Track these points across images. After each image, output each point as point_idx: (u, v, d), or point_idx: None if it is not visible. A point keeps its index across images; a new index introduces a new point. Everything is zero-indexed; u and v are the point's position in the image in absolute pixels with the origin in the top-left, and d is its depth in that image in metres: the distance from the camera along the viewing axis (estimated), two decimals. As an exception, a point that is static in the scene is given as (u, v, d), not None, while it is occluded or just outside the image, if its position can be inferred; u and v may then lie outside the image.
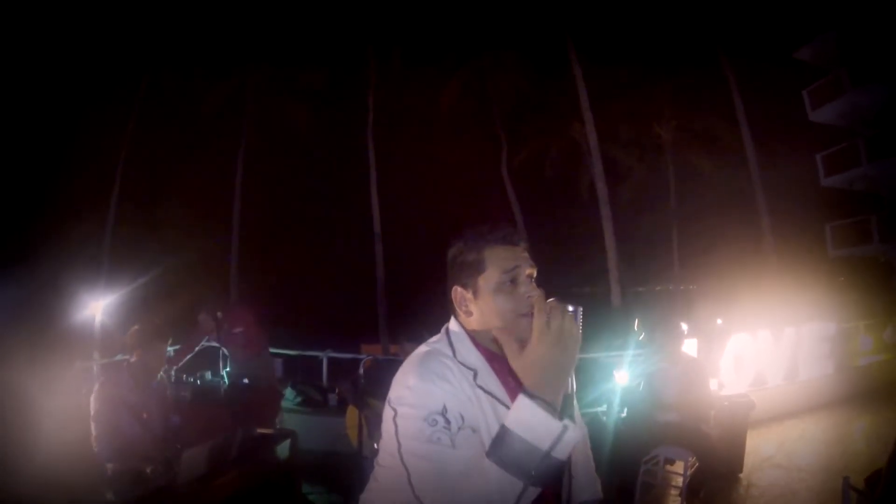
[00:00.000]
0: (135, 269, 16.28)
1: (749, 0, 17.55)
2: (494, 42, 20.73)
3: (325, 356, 7.44)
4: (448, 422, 1.22)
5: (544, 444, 1.13)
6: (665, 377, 4.07)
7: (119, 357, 7.12)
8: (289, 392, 6.85)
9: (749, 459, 4.94)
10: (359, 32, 21.23)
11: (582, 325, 1.28)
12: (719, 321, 6.57)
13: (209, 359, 5.61)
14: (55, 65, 18.84)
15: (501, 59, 21.19)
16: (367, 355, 7.96)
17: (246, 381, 5.31)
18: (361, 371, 3.93)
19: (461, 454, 1.21)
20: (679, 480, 4.14)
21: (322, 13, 20.80)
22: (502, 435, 1.16)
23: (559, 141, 21.76)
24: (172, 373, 5.32)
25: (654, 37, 18.85)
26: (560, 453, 1.14)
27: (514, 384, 1.37)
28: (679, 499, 4.10)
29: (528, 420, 1.15)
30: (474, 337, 1.39)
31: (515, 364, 1.23)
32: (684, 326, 4.35)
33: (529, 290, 1.36)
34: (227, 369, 5.06)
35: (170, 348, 6.22)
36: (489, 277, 1.37)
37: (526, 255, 1.41)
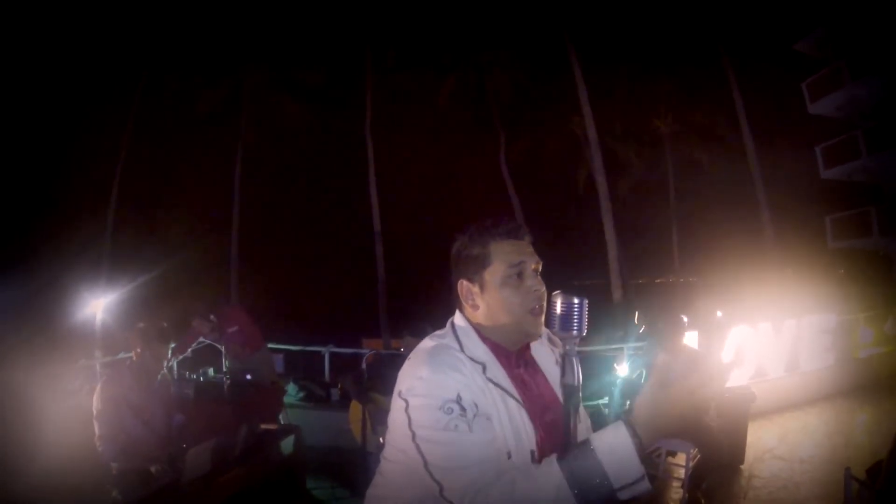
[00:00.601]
0: (135, 269, 16.31)
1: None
2: (492, 37, 20.67)
3: (326, 351, 7.45)
4: (463, 409, 1.22)
5: (617, 481, 1.08)
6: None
7: (121, 355, 7.15)
8: (291, 387, 6.87)
9: (750, 451, 4.95)
10: (356, 29, 21.18)
11: (588, 316, 1.29)
12: (719, 313, 6.60)
13: (210, 356, 5.62)
14: (53, 66, 18.78)
15: (499, 54, 21.13)
16: (369, 350, 7.97)
17: (248, 377, 5.35)
18: (364, 366, 3.93)
19: (480, 438, 1.21)
20: (681, 472, 4.17)
21: (319, 11, 20.75)
22: (584, 450, 1.11)
23: (558, 135, 21.75)
24: (175, 371, 5.34)
25: (653, 30, 18.83)
26: (624, 495, 1.10)
27: (520, 377, 1.39)
28: (681, 490, 4.12)
29: (617, 450, 1.09)
30: (480, 331, 1.39)
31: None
32: (685, 319, 4.36)
33: (535, 283, 1.36)
34: (228, 365, 5.07)
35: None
36: (495, 271, 1.37)
37: (531, 248, 1.41)
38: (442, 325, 1.48)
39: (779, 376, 6.83)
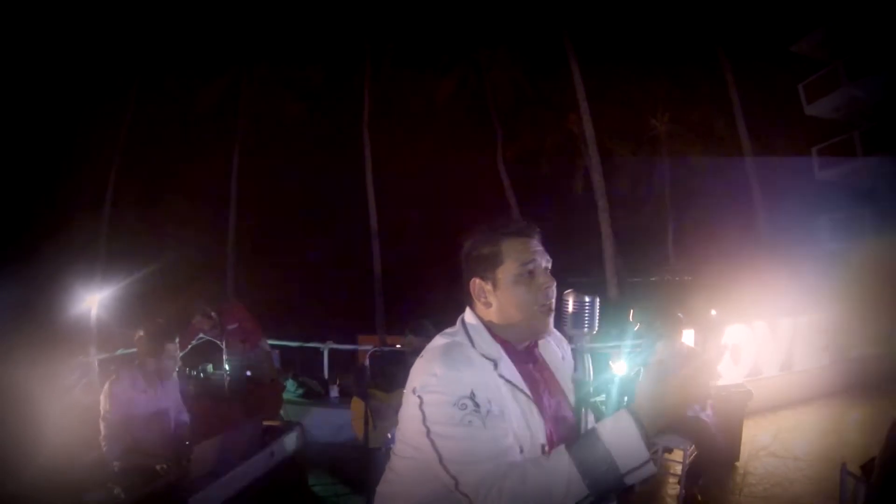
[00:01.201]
0: (132, 266, 16.27)
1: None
2: (491, 35, 20.69)
3: (325, 348, 7.48)
4: (477, 405, 1.26)
5: (624, 466, 1.13)
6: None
7: (120, 352, 7.16)
8: (290, 384, 6.90)
9: (745, 448, 5.02)
10: (355, 27, 21.15)
11: (598, 315, 1.33)
12: (713, 312, 6.65)
13: (209, 352, 5.65)
14: (50, 62, 18.68)
15: (497, 52, 21.15)
16: (369, 347, 7.99)
17: (248, 373, 5.37)
18: (367, 362, 3.96)
19: (494, 434, 1.24)
20: (678, 468, 4.22)
21: (318, 8, 20.71)
22: (591, 439, 1.16)
23: (555, 133, 21.80)
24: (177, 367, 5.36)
25: (651, 29, 18.88)
26: (631, 480, 1.15)
27: (530, 373, 1.42)
28: (678, 486, 4.17)
29: (622, 436, 1.14)
30: (491, 328, 1.43)
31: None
32: (682, 316, 4.41)
33: (546, 281, 1.40)
34: (228, 362, 5.10)
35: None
36: (507, 269, 1.41)
37: (541, 247, 1.45)
38: (443, 323, 1.51)
39: (773, 375, 6.90)
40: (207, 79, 20.87)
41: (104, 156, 20.66)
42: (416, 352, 4.22)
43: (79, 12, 18.57)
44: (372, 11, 20.73)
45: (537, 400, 1.38)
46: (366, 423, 3.51)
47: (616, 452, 1.13)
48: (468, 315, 1.47)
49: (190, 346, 5.34)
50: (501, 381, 1.34)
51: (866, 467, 2.46)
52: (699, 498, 4.07)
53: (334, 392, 6.96)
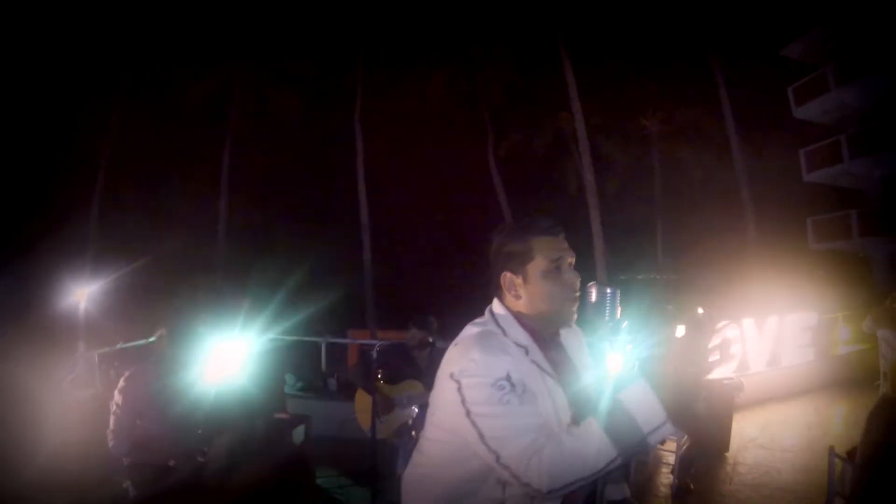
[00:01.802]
0: (122, 261, 16.24)
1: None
2: (483, 32, 20.80)
3: (323, 342, 7.59)
4: (513, 386, 1.38)
5: (645, 427, 1.25)
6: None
7: (120, 346, 7.19)
8: (289, 377, 7.00)
9: (735, 440, 5.20)
10: (347, 22, 21.16)
11: (615, 306, 1.47)
12: (700, 310, 6.81)
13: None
14: (38, 57, 18.50)
15: (489, 50, 21.26)
16: (367, 341, 8.10)
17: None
18: (375, 355, 4.06)
19: (530, 410, 1.37)
20: (671, 459, 4.39)
21: (310, 2, 20.71)
22: (616, 405, 1.29)
23: (546, 131, 21.98)
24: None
25: (643, 30, 19.07)
26: (653, 439, 1.27)
27: (553, 359, 1.55)
28: (671, 476, 4.34)
29: (642, 401, 1.27)
30: (520, 318, 1.55)
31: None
32: (673, 310, 4.56)
33: (572, 276, 1.54)
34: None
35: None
36: (537, 265, 1.53)
37: (566, 244, 1.57)
38: (452, 316, 1.61)
39: (761, 370, 7.11)
40: (199, 73, 20.78)
41: (94, 152, 20.53)
42: (421, 345, 4.33)
43: (68, 3, 18.42)
44: (365, 6, 20.76)
45: (562, 383, 1.51)
46: (374, 415, 3.60)
47: (638, 415, 1.26)
48: (497, 306, 1.59)
49: None
50: (533, 366, 1.47)
51: (851, 453, 2.63)
52: (691, 486, 4.23)
53: (332, 386, 7.08)
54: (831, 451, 2.64)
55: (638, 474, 4.34)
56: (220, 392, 3.61)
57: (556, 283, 1.53)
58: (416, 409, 3.99)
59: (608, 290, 1.46)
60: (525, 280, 1.55)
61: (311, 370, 7.45)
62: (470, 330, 1.56)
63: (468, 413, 1.39)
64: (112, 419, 3.31)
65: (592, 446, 1.28)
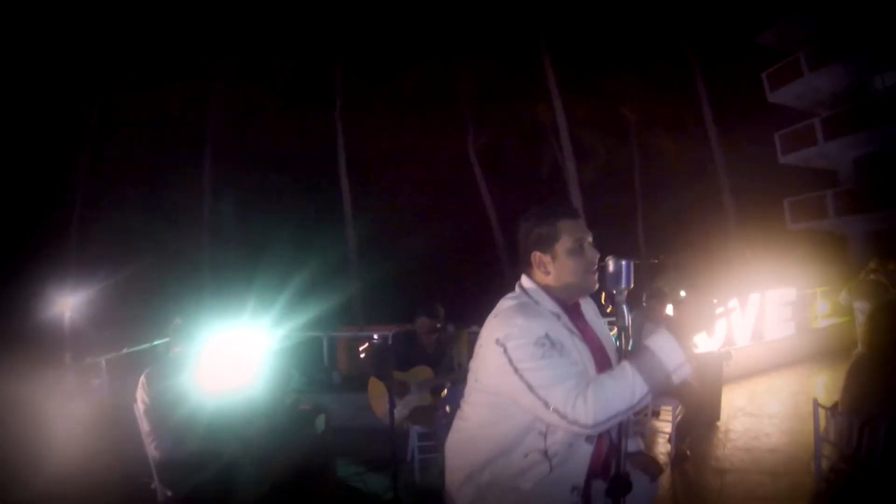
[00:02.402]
0: (105, 269, 16.21)
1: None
2: (462, 26, 20.92)
3: (325, 336, 7.77)
4: (552, 343, 1.65)
5: (669, 366, 1.54)
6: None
7: (126, 350, 7.32)
8: (294, 372, 7.17)
9: (724, 411, 5.51)
10: (326, 17, 21.12)
11: (630, 275, 1.71)
12: (683, 293, 7.11)
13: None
14: (16, 62, 18.29)
15: (469, 43, 21.39)
16: (368, 333, 8.32)
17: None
18: (390, 342, 4.28)
19: (569, 360, 1.64)
20: (667, 428, 4.68)
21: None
22: (644, 350, 1.57)
23: (526, 122, 22.24)
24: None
25: (620, 22, 19.39)
26: (676, 377, 1.56)
27: (581, 325, 1.83)
28: (668, 444, 4.63)
29: (665, 345, 1.55)
30: (548, 290, 1.81)
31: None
32: (664, 289, 4.83)
33: (592, 252, 1.81)
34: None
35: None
36: (563, 244, 1.79)
37: (585, 224, 1.84)
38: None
39: (746, 345, 7.45)
40: (177, 74, 20.69)
41: (74, 158, 20.37)
42: (430, 332, 4.57)
43: (45, 5, 18.22)
44: (344, 2, 20.76)
45: (586, 341, 1.78)
46: (390, 401, 3.77)
47: (663, 356, 1.55)
48: (526, 281, 1.85)
49: None
50: (563, 329, 1.74)
51: (833, 407, 2.93)
52: (688, 453, 4.52)
53: (336, 379, 7.27)
54: (815, 403, 2.93)
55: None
56: (226, 390, 3.62)
57: (580, 258, 1.79)
58: (447, 388, 4.21)
59: (623, 262, 1.70)
60: (553, 258, 1.80)
61: (313, 365, 7.62)
62: (506, 302, 1.81)
63: (516, 370, 1.63)
64: (146, 420, 3.30)
65: (628, 384, 1.54)
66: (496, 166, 23.00)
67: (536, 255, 1.82)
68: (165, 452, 3.27)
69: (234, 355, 4.81)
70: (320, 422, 4.12)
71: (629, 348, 1.70)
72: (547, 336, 1.65)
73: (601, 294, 1.79)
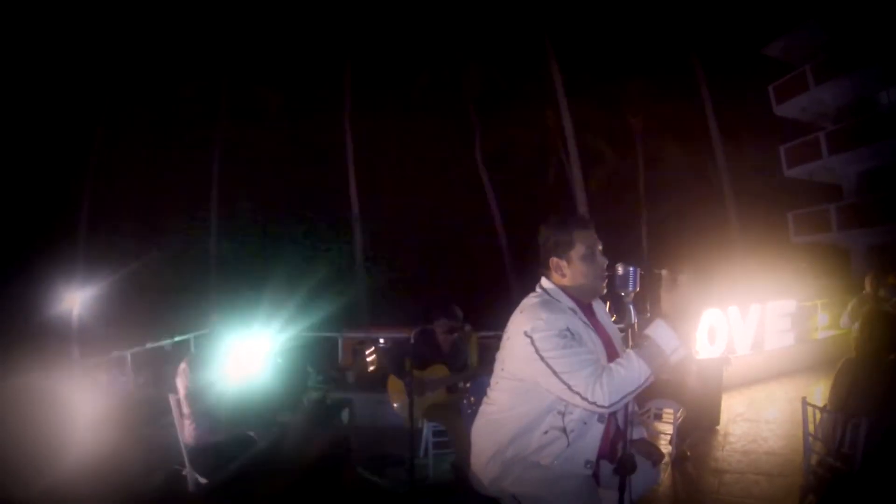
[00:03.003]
0: (114, 267, 16.44)
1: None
2: (471, 31, 21.16)
3: (340, 337, 8.03)
4: (573, 335, 1.91)
5: (667, 350, 1.81)
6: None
7: (149, 345, 7.58)
8: (310, 369, 7.39)
9: (724, 416, 5.72)
10: (336, 19, 21.36)
11: (637, 278, 1.96)
12: (663, 271, 7.27)
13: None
14: (26, 62, 18.58)
15: (477, 48, 21.63)
16: (380, 334, 8.55)
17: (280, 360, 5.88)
18: (412, 341, 4.50)
19: (587, 349, 1.90)
20: (669, 429, 4.89)
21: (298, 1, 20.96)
22: (645, 339, 1.83)
23: (533, 128, 22.45)
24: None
25: (628, 29, 19.60)
26: (674, 359, 1.81)
27: (594, 321, 2.09)
28: (670, 445, 4.85)
29: (661, 333, 1.82)
30: (565, 291, 2.08)
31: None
32: (662, 273, 5.05)
33: (602, 258, 2.08)
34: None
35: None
36: (578, 251, 2.06)
37: (596, 234, 2.10)
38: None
39: (745, 354, 7.64)
40: (188, 73, 20.96)
41: (83, 155, 20.65)
42: (449, 331, 4.80)
43: (55, 6, 18.49)
44: (352, 6, 20.97)
45: (598, 335, 2.05)
46: (410, 397, 3.97)
47: (661, 342, 1.82)
48: (545, 282, 2.12)
49: None
50: (580, 323, 2.01)
51: (823, 408, 3.16)
52: (688, 454, 4.73)
53: (350, 378, 7.47)
54: (804, 401, 3.16)
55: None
56: (247, 384, 3.85)
57: (591, 264, 2.06)
58: (469, 383, 4.42)
59: (631, 268, 1.96)
60: (569, 262, 2.07)
61: (328, 364, 7.85)
62: (530, 300, 2.08)
63: (542, 358, 1.90)
64: (185, 403, 3.53)
65: (634, 369, 1.81)
66: (503, 171, 23.21)
67: (554, 260, 2.09)
68: (201, 437, 3.50)
69: (255, 350, 5.08)
70: (345, 414, 4.36)
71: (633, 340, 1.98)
72: (568, 328, 1.92)
73: (607, 301, 2.10)
